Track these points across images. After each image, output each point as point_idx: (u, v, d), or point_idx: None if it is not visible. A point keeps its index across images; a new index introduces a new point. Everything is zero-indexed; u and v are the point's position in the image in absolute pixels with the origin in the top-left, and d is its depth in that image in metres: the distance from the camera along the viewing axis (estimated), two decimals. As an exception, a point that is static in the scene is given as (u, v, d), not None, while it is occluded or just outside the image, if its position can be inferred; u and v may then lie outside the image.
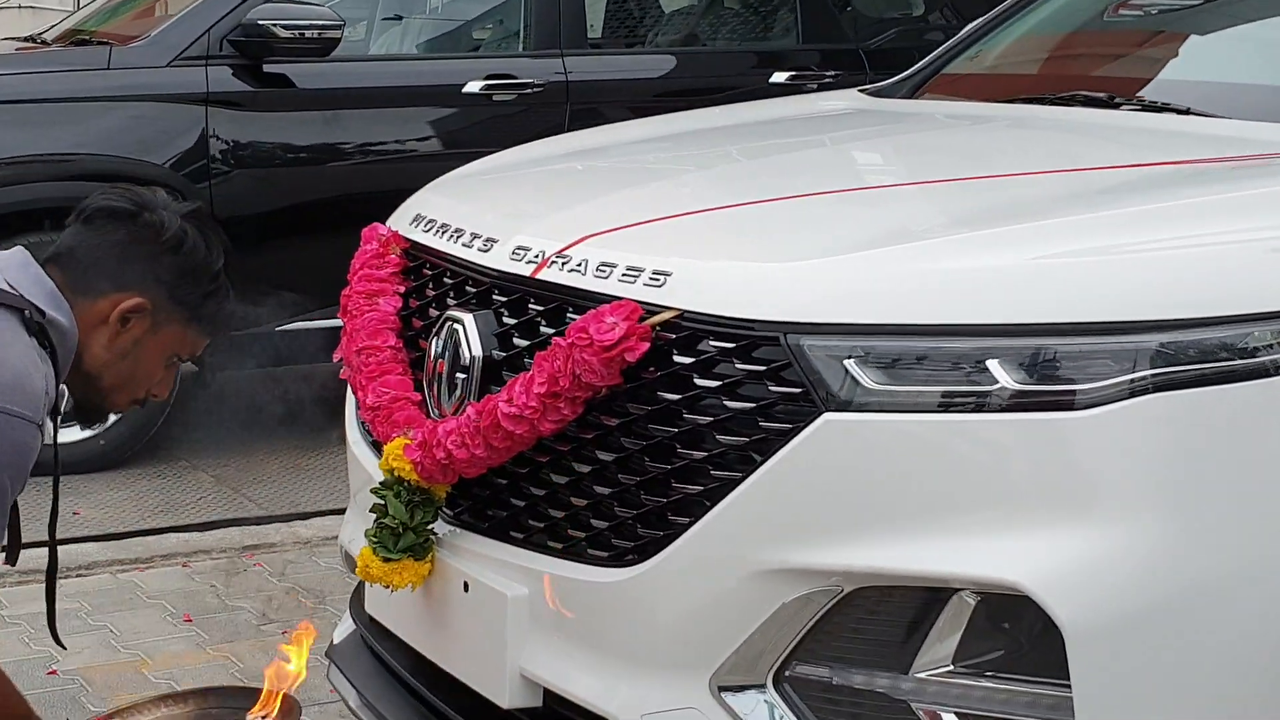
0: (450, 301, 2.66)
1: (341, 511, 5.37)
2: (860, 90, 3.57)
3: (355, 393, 2.74)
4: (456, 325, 2.53)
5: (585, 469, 2.33)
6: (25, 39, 6.52)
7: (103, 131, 5.43)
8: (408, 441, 2.53)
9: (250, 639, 4.25)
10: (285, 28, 5.57)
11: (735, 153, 3.09)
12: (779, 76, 6.32)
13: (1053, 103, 3.06)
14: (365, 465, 2.86)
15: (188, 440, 5.94)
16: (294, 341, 5.79)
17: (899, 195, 2.49)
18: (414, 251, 2.84)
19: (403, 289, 2.81)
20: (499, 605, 2.41)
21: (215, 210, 5.49)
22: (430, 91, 6.00)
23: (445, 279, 2.71)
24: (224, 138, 5.60)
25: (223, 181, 5.58)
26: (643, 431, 2.25)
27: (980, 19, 3.60)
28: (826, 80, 6.34)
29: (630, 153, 3.26)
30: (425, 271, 2.79)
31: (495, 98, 5.98)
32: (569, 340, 2.26)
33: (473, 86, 5.94)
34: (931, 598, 2.07)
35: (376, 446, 2.86)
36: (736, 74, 6.50)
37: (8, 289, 2.29)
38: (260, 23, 5.55)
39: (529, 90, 6.01)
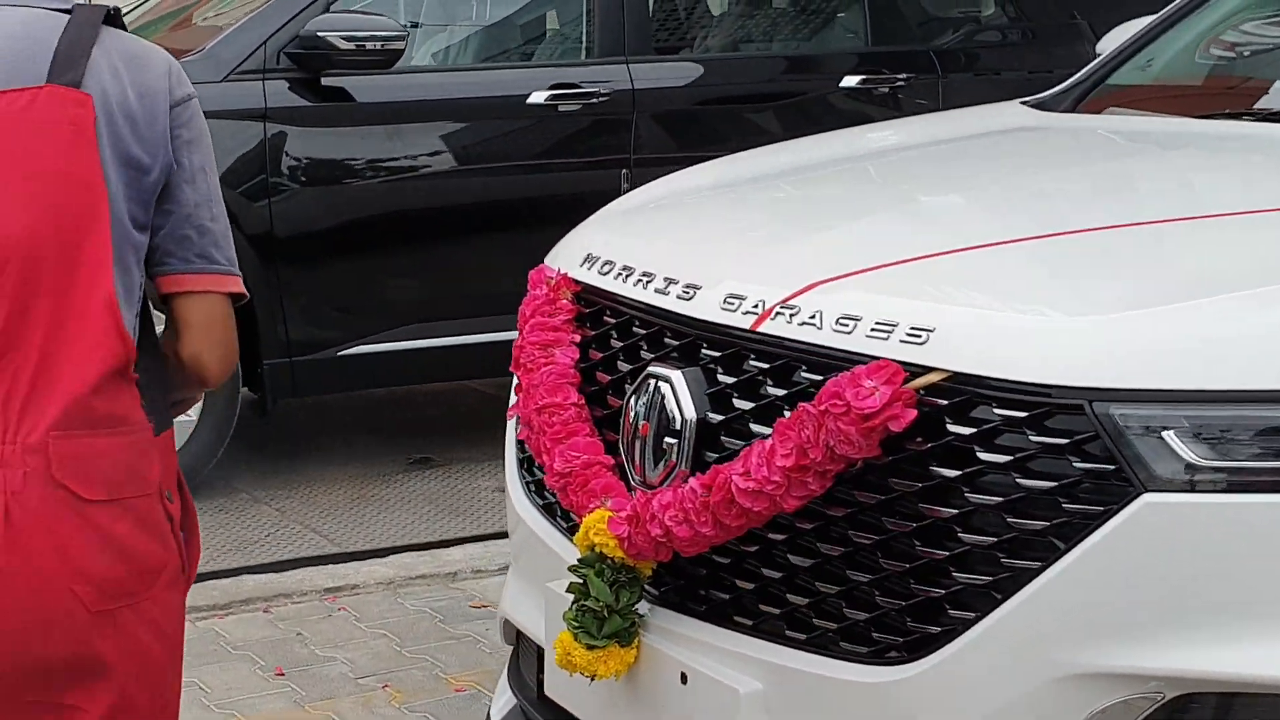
0: (644, 353, 2.37)
1: (419, 548, 5.17)
2: (1021, 103, 3.27)
3: (538, 456, 2.44)
4: (663, 384, 2.24)
5: (834, 550, 2.04)
6: None
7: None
8: (610, 514, 2.24)
9: (350, 694, 3.96)
10: (346, 39, 5.26)
11: (943, 180, 2.78)
12: (850, 80, 6.03)
13: (1266, 118, 2.78)
14: (537, 531, 2.57)
15: (245, 471, 5.68)
16: (363, 365, 5.53)
17: (1174, 233, 2.19)
18: (589, 296, 2.54)
19: (579, 338, 2.51)
20: (728, 701, 2.12)
21: (275, 228, 5.23)
22: (493, 103, 5.69)
23: (635, 328, 2.41)
24: (283, 154, 5.30)
25: (283, 199, 5.28)
26: (910, 510, 1.96)
27: (1144, 21, 3.30)
28: (899, 83, 6.07)
29: (814, 180, 2.95)
30: (606, 319, 2.49)
31: (560, 108, 5.69)
32: (820, 407, 1.97)
33: (537, 97, 5.64)
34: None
35: (549, 509, 2.58)
36: (806, 78, 6.21)
37: None
38: (320, 34, 5.24)
39: (594, 100, 5.70)
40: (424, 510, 5.41)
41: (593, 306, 2.54)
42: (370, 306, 5.53)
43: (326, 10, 5.35)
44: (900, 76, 6.08)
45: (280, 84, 5.32)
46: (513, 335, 5.54)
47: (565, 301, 2.55)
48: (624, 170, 5.73)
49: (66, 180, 1.87)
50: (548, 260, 2.76)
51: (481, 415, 6.67)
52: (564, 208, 5.76)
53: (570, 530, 2.49)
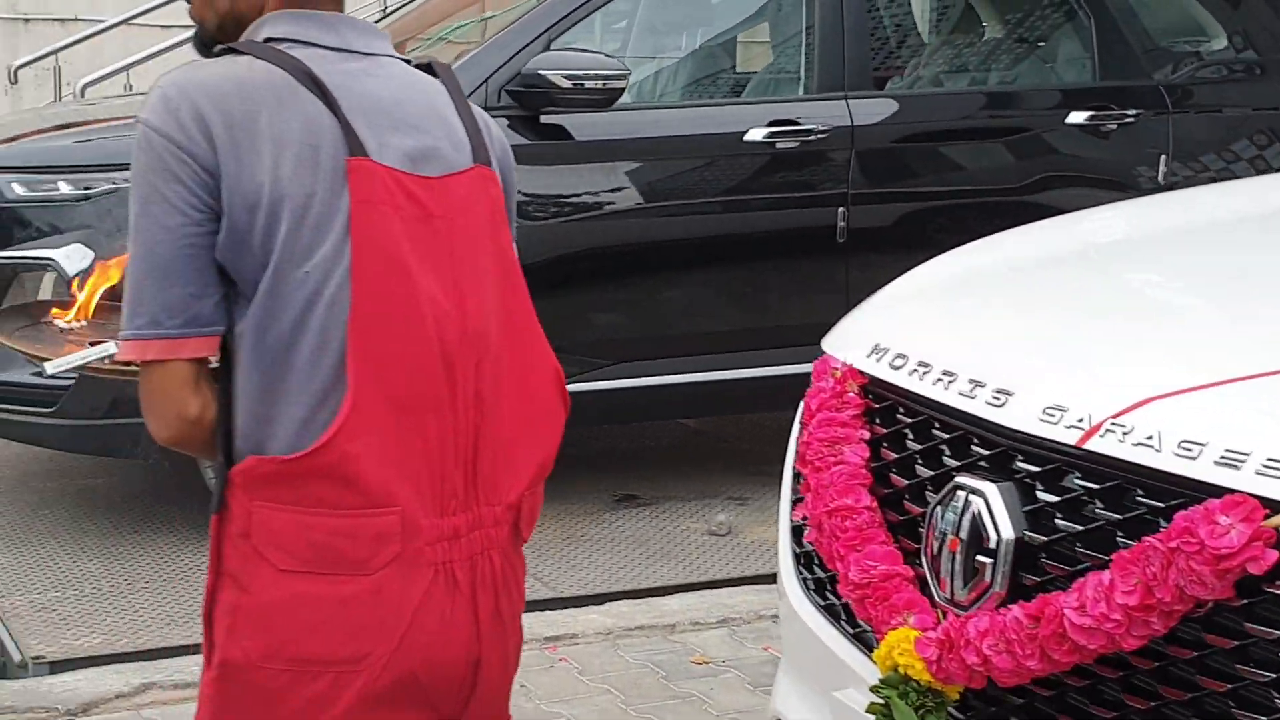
0: (947, 459, 2.22)
1: (634, 595, 5.06)
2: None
3: (830, 562, 2.31)
4: (974, 497, 2.10)
5: (1178, 695, 1.89)
6: None
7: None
8: (916, 634, 2.11)
9: (581, 755, 3.89)
10: (566, 78, 5.20)
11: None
12: (1076, 117, 5.83)
13: None
14: (819, 634, 2.45)
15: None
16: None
17: None
18: (879, 390, 2.41)
19: (869, 435, 2.38)
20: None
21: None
22: (710, 140, 5.60)
23: (935, 430, 2.27)
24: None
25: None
26: (1268, 658, 1.80)
27: None
28: (1128, 120, 5.84)
29: (1127, 263, 2.76)
30: (900, 417, 2.35)
31: (778, 145, 5.57)
32: (1170, 544, 1.82)
33: (754, 134, 5.54)
34: None
35: (831, 611, 2.45)
36: (1031, 115, 6.00)
37: None
38: (541, 73, 5.20)
39: (812, 136, 5.58)
40: (634, 553, 5.32)
41: (883, 401, 2.40)
42: (581, 344, 5.45)
43: (547, 48, 5.31)
44: (1130, 113, 5.85)
45: (500, 121, 5.24)
46: (722, 375, 5.56)
47: (853, 395, 2.42)
48: (840, 209, 5.60)
49: (502, 257, 2.01)
50: (827, 346, 2.62)
51: (687, 451, 6.59)
52: (780, 246, 5.69)
53: (857, 637, 2.37)
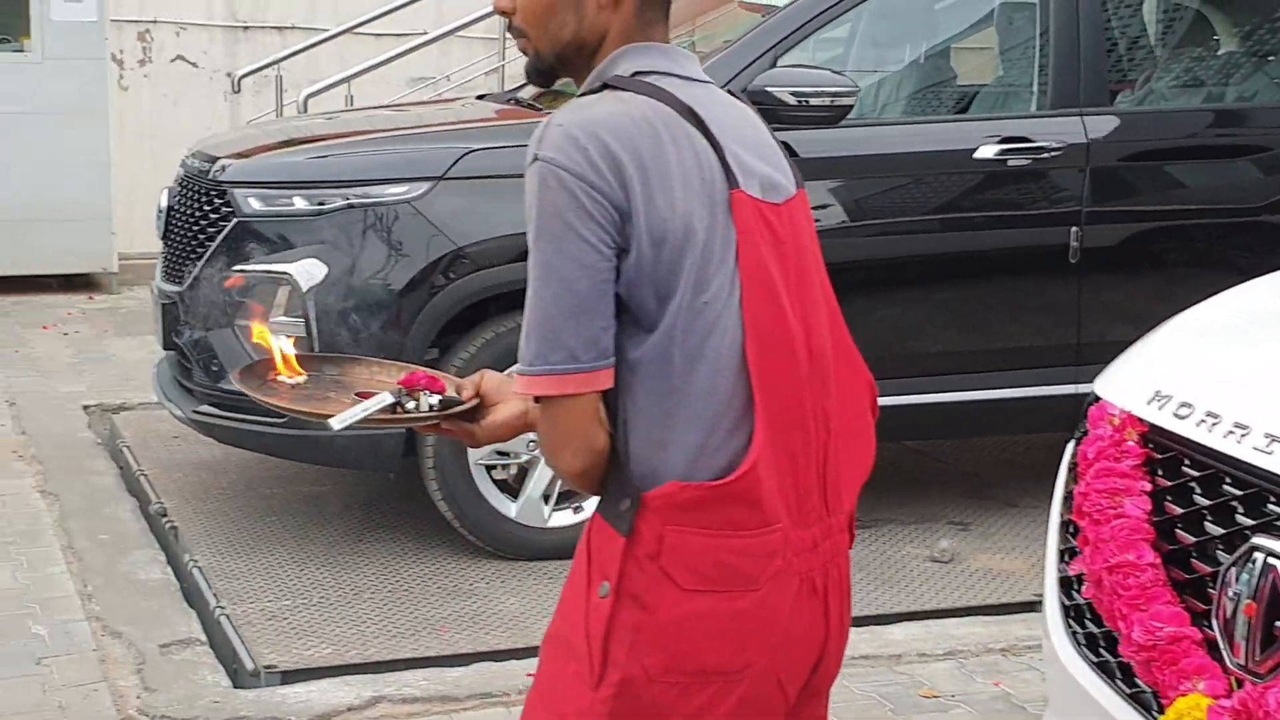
0: (1240, 517, 2.12)
1: (856, 622, 4.96)
2: None
3: (1111, 620, 2.23)
4: (1273, 560, 2.00)
5: None
6: (508, 98, 6.27)
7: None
8: (1208, 701, 2.01)
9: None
10: (793, 95, 5.14)
11: None
12: (1321, 136, 5.60)
13: None
14: (1091, 692, 2.35)
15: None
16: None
17: None
18: (1160, 440, 2.31)
19: (1150, 487, 2.28)
20: None
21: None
22: (939, 157, 5.48)
23: (1225, 485, 2.17)
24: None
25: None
26: None
27: None
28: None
29: None
30: (1185, 469, 2.25)
31: (1010, 163, 5.44)
32: None
33: (985, 151, 5.41)
34: None
35: (1104, 669, 2.36)
36: (1270, 133, 5.76)
37: None
38: (768, 89, 5.13)
39: (1045, 154, 5.44)
40: (855, 578, 5.16)
41: (1166, 452, 2.30)
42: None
43: (773, 65, 5.25)
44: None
45: (725, 138, 5.23)
46: (944, 397, 5.44)
47: (1132, 444, 2.33)
48: (1073, 228, 5.46)
49: (823, 276, 2.10)
50: (1101, 389, 2.52)
51: (904, 471, 6.47)
52: (1009, 265, 5.56)
53: (1135, 698, 2.27)
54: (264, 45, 12.08)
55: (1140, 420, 2.35)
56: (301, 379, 2.36)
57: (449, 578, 5.07)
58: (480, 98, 6.82)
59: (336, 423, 2.16)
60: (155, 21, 11.91)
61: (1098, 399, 2.48)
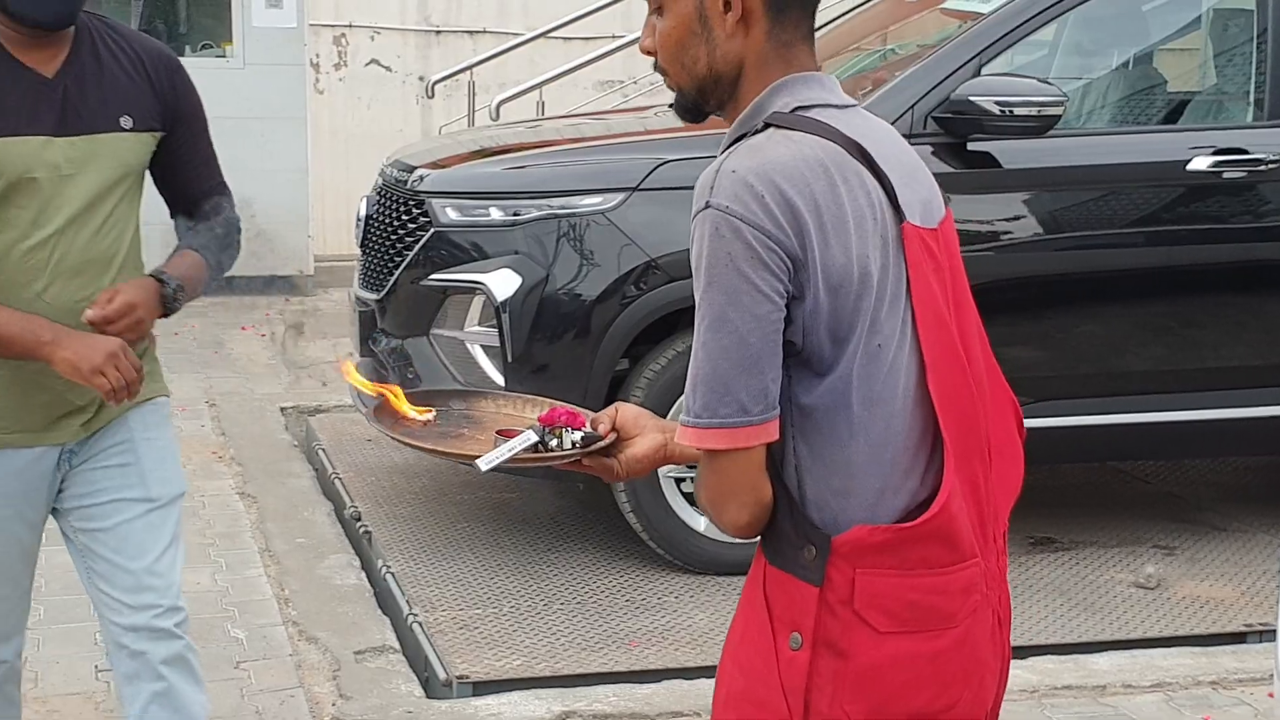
0: None
1: (1058, 650, 4.73)
2: None
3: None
4: None
5: None
6: None
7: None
8: None
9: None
10: (998, 104, 5.02)
11: None
12: None
13: None
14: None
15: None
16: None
17: None
18: None
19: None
20: None
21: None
22: (1148, 169, 5.31)
23: None
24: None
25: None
26: None
27: None
28: None
29: None
30: None
31: (1224, 175, 5.25)
32: None
33: (1198, 163, 5.23)
34: None
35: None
36: None
37: None
38: (972, 99, 5.02)
39: (1262, 167, 5.24)
40: (1055, 603, 5.09)
41: None
42: (1012, 376, 5.25)
43: (977, 74, 5.14)
44: None
45: (924, 148, 5.12)
46: (1151, 417, 5.27)
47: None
48: (1291, 242, 5.26)
49: (970, 296, 2.05)
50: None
51: (1107, 492, 6.31)
52: (1220, 281, 5.37)
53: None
54: (456, 49, 12.23)
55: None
56: (430, 415, 2.36)
57: (637, 591, 5.05)
58: (671, 106, 6.78)
59: (484, 464, 2.16)
60: (351, 26, 12.12)
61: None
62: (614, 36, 10.64)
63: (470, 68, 10.36)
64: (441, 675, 4.38)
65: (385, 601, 4.97)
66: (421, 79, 11.72)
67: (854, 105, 2.02)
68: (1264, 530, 5.79)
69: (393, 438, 2.34)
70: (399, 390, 2.37)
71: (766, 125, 1.96)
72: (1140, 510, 6.04)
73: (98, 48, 2.96)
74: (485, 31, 12.27)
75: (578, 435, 2.20)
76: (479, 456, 2.16)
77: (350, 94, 12.04)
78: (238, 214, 3.25)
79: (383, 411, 2.35)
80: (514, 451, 2.17)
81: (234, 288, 9.69)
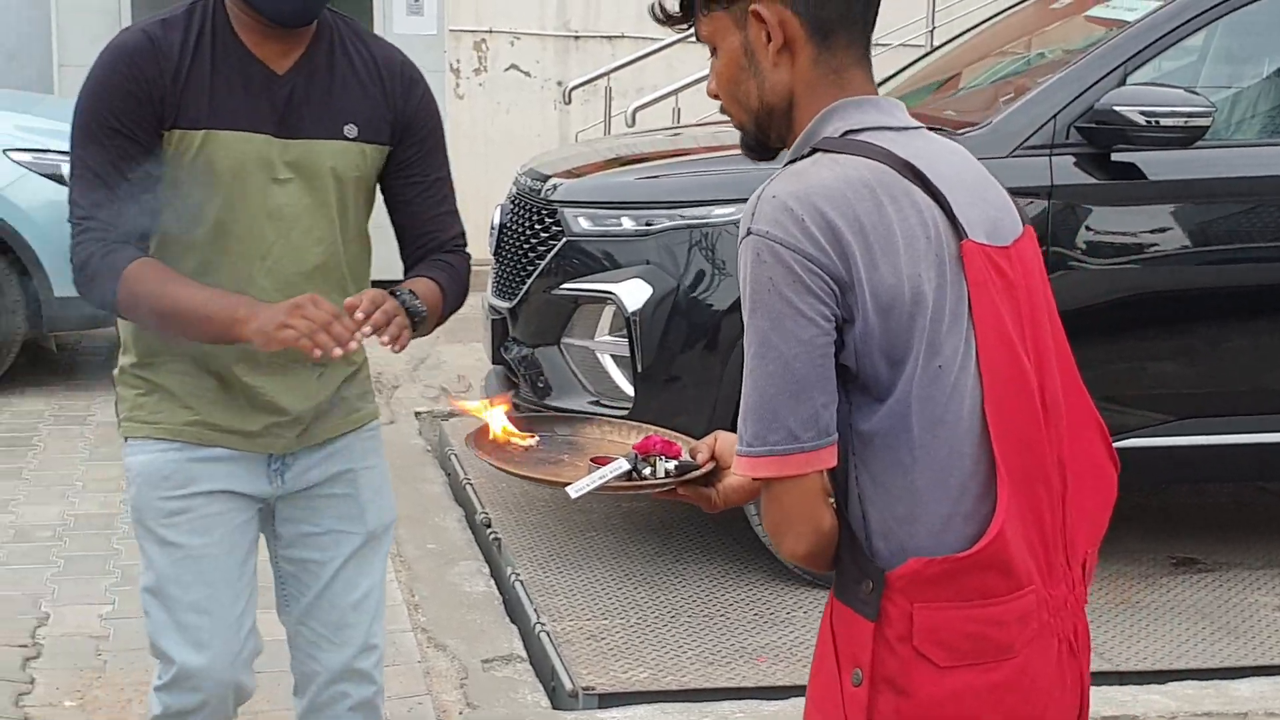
0: None
1: (1199, 675, 4.59)
2: None
3: None
4: None
5: None
6: None
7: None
8: None
9: None
10: (1143, 114, 4.89)
11: None
12: None
13: None
14: None
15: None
16: (1132, 461, 5.11)
17: None
18: None
19: None
20: None
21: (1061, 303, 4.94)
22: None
23: None
24: (1066, 230, 5.01)
25: (1061, 276, 4.97)
26: None
27: None
28: None
29: None
30: None
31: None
32: None
33: (1353, 175, 5.08)
34: None
35: None
36: None
37: None
38: (1116, 109, 4.91)
39: None
40: (1197, 626, 4.95)
41: None
42: (1141, 397, 5.13)
43: (1122, 83, 5.02)
44: None
45: (1066, 159, 5.04)
46: None
47: None
48: None
49: (1053, 316, 2.01)
50: None
51: (1252, 512, 6.14)
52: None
53: None
54: (594, 54, 12.28)
55: None
56: (533, 441, 2.35)
57: (766, 605, 5.00)
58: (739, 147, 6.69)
59: (573, 491, 2.14)
60: (491, 31, 12.23)
61: None
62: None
63: (607, 74, 10.37)
64: (568, 686, 4.36)
65: (513, 609, 4.98)
66: (560, 84, 11.77)
67: (916, 128, 2.00)
68: None
69: (493, 465, 2.34)
70: (507, 410, 2.36)
71: (814, 151, 1.94)
72: (1283, 530, 5.88)
73: (334, 50, 2.82)
74: (624, 36, 12.29)
75: (671, 464, 2.18)
76: (570, 484, 2.15)
77: (490, 99, 12.16)
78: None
79: (483, 437, 2.34)
80: (604, 480, 2.15)
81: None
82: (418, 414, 7.26)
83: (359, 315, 2.55)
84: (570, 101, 10.92)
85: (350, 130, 2.80)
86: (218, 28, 2.75)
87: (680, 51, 11.09)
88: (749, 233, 1.87)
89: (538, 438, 2.36)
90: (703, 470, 2.16)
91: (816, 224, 1.84)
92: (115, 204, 2.70)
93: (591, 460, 2.26)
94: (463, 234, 2.99)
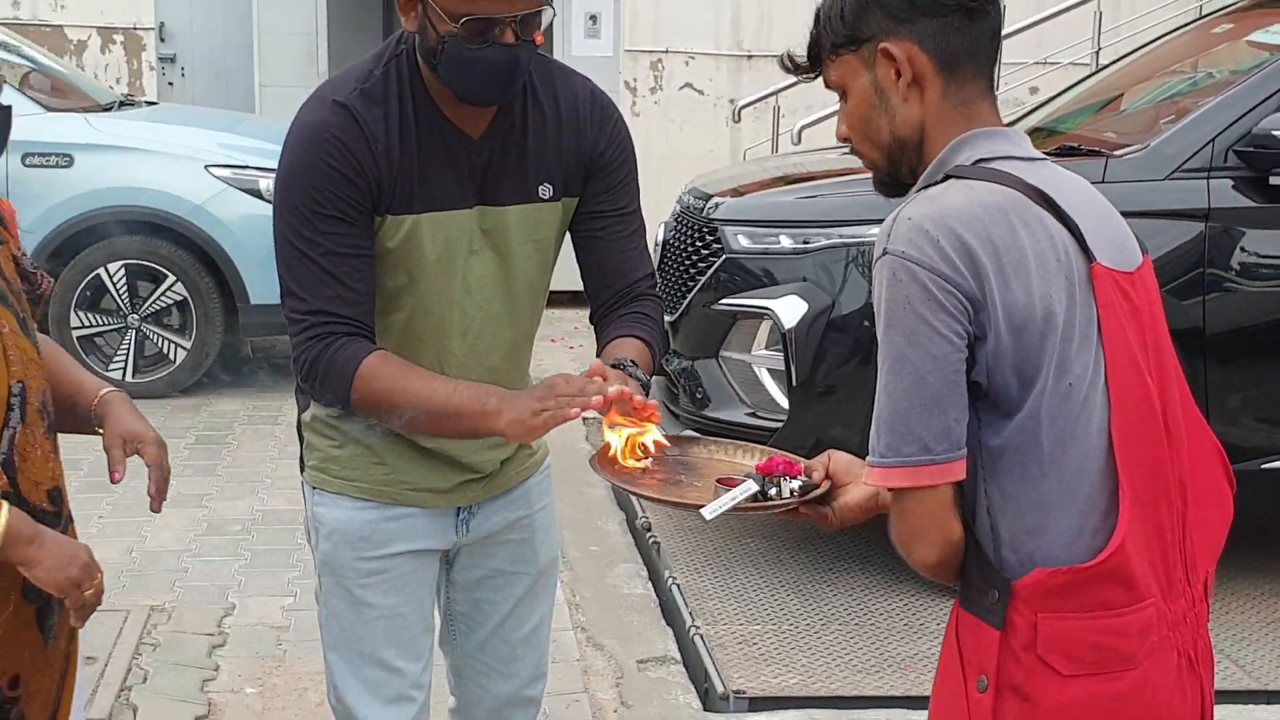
0: None
1: None
2: None
3: None
4: None
5: None
6: None
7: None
8: None
9: None
10: (1304, 138, 4.77)
11: None
12: None
13: None
14: None
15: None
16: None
17: None
18: None
19: None
20: None
21: (1207, 325, 4.83)
22: None
23: None
24: (1222, 252, 4.89)
25: (1218, 298, 4.87)
26: None
27: None
28: None
29: None
30: None
31: None
32: None
33: None
34: None
35: None
36: None
37: None
38: (1273, 133, 4.79)
39: None
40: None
41: None
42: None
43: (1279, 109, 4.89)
44: None
45: (1224, 182, 4.92)
46: None
47: None
48: None
49: (1168, 340, 2.03)
50: None
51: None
52: None
53: None
54: (765, 73, 12.24)
55: None
56: (646, 462, 2.34)
57: (915, 615, 4.96)
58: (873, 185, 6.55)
59: (707, 513, 2.17)
60: (666, 51, 12.26)
61: None
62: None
63: (776, 93, 10.35)
64: (720, 689, 4.38)
65: (669, 612, 5.01)
66: (732, 102, 11.78)
67: (1041, 159, 2.03)
68: None
69: (619, 486, 2.35)
70: (615, 443, 2.34)
71: (947, 177, 1.98)
72: None
73: (527, 102, 2.60)
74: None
75: (795, 484, 2.20)
76: (702, 506, 2.17)
77: (664, 116, 12.19)
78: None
79: (604, 458, 2.35)
80: (736, 501, 2.18)
81: (550, 301, 9.88)
82: (584, 419, 7.27)
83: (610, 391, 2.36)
84: (740, 120, 10.92)
85: (545, 191, 2.63)
86: (416, 96, 2.54)
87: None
88: (885, 253, 1.90)
89: (649, 460, 2.35)
90: (821, 490, 2.20)
91: (951, 244, 1.87)
92: (335, 294, 2.49)
93: (718, 482, 2.28)
94: (652, 273, 2.78)
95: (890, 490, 1.94)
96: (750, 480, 2.19)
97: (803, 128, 9.05)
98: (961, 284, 1.86)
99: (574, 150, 2.65)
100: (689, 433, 2.62)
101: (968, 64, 2.02)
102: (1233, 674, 4.58)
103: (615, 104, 2.77)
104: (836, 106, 7.43)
